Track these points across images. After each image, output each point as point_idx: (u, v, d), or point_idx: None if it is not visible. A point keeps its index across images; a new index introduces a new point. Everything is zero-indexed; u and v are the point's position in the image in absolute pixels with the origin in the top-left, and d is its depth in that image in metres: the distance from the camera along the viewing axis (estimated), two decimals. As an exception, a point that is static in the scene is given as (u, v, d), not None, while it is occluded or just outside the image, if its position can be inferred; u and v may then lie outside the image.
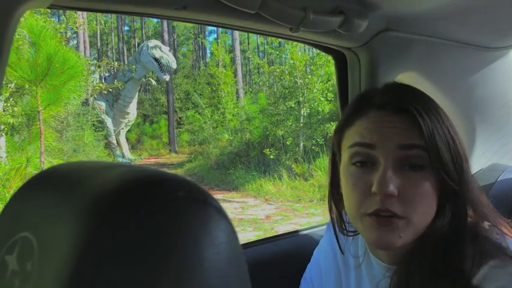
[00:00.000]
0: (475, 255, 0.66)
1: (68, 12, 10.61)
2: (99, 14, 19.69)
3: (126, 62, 17.71)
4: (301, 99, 10.16)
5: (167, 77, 13.94)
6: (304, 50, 11.02)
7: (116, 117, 14.32)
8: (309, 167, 9.14)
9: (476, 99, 1.37)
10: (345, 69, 1.23)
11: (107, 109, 14.00)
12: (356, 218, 0.73)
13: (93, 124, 12.45)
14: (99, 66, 13.93)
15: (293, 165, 9.32)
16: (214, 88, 17.19)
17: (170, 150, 19.51)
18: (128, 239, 0.30)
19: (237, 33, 17.58)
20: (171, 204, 0.32)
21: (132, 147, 19.09)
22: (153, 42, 14.13)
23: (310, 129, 9.92)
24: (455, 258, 0.67)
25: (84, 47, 17.22)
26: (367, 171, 0.72)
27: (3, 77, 0.63)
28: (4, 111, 6.27)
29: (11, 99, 6.46)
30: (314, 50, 10.60)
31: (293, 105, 10.34)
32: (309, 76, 10.12)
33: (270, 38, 12.59)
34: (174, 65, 13.77)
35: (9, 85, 6.05)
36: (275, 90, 12.04)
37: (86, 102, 13.35)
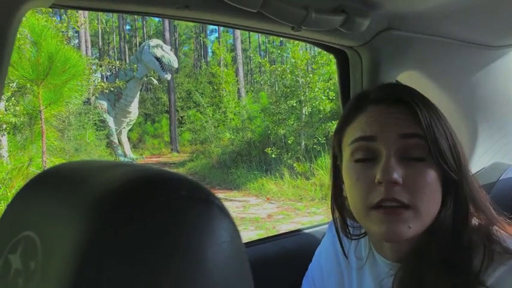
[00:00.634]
0: (485, 256, 0.66)
1: (69, 11, 10.62)
2: (100, 13, 19.70)
3: (127, 61, 17.72)
4: (302, 98, 10.16)
5: (168, 76, 13.95)
6: (306, 49, 11.01)
7: (117, 117, 14.34)
8: (310, 166, 9.14)
9: (478, 98, 1.37)
10: (347, 68, 1.23)
11: (109, 108, 14.01)
12: (362, 213, 0.73)
13: (95, 123, 12.48)
14: (101, 66, 13.95)
15: (295, 164, 9.32)
16: (215, 87, 17.20)
17: (172, 149, 19.54)
18: (131, 238, 0.30)
19: (238, 32, 17.58)
20: (174, 204, 0.32)
21: (134, 147, 19.12)
22: (155, 41, 14.13)
23: (312, 128, 9.91)
24: (461, 254, 0.67)
25: (86, 46, 17.24)
26: (369, 166, 0.73)
27: (6, 76, 0.63)
28: (6, 110, 6.27)
29: (13, 98, 6.47)
30: (316, 48, 10.59)
31: (295, 104, 10.34)
32: (311, 75, 10.11)
33: (271, 37, 12.60)
34: (175, 64, 13.77)
35: (11, 84, 6.06)
36: (276, 89, 12.03)
37: (87, 102, 13.37)
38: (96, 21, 21.70)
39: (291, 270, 1.15)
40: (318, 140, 9.43)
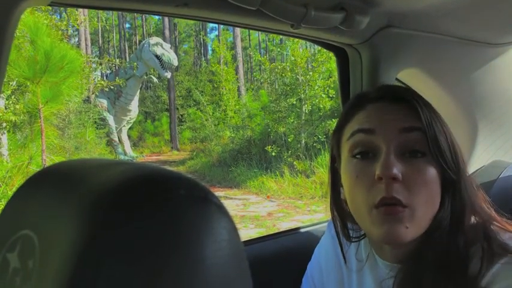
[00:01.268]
0: (484, 256, 0.65)
1: (69, 9, 10.62)
2: (100, 12, 19.69)
3: (127, 60, 17.72)
4: (302, 96, 10.16)
5: (168, 74, 13.94)
6: (306, 47, 11.01)
7: (117, 115, 14.34)
8: (310, 164, 9.14)
9: (478, 96, 1.37)
10: (347, 66, 1.23)
11: (109, 107, 14.01)
12: (363, 211, 0.72)
13: (95, 122, 12.49)
14: (101, 64, 13.94)
15: (295, 162, 9.32)
16: (215, 85, 17.22)
17: (172, 148, 19.54)
18: (129, 237, 0.30)
19: (238, 30, 17.57)
20: (172, 202, 0.32)
21: (134, 145, 19.12)
22: (155, 39, 14.12)
23: (312, 126, 9.92)
24: (457, 255, 0.67)
25: (86, 45, 17.22)
26: (369, 163, 0.72)
27: (5, 75, 0.63)
28: (6, 108, 6.28)
29: (13, 96, 6.48)
30: (315, 46, 10.59)
31: (294, 102, 10.34)
32: (311, 73, 10.11)
33: (271, 35, 12.60)
34: (175, 62, 13.76)
35: (10, 83, 6.06)
36: (276, 87, 12.04)
37: (87, 100, 13.38)
38: (96, 20, 21.69)
39: (291, 268, 1.15)
40: (318, 138, 9.44)
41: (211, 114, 14.27)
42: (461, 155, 0.74)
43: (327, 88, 9.90)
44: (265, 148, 10.32)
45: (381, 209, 0.69)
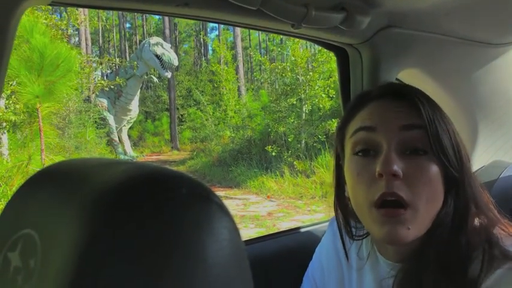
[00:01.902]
0: (484, 260, 0.65)
1: (69, 9, 10.62)
2: (100, 11, 19.68)
3: (127, 59, 17.71)
4: (302, 96, 10.16)
5: (169, 74, 13.93)
6: (306, 47, 11.01)
7: (117, 115, 14.33)
8: (310, 164, 9.14)
9: (479, 96, 1.37)
10: (347, 66, 1.23)
11: (109, 106, 14.01)
12: (364, 209, 0.72)
13: (95, 121, 12.48)
14: (101, 63, 13.93)
15: (295, 162, 9.32)
16: (215, 85, 17.22)
17: (172, 147, 19.54)
18: (131, 236, 0.30)
19: (238, 30, 17.57)
20: (174, 201, 0.32)
21: (134, 144, 19.11)
22: (155, 39, 14.11)
23: (312, 126, 9.91)
24: (459, 256, 0.67)
25: (86, 44, 17.22)
26: (370, 160, 0.72)
27: (6, 73, 0.63)
28: (6, 108, 6.28)
29: (13, 96, 6.47)
30: (316, 46, 10.59)
31: (295, 102, 10.34)
32: (311, 73, 10.11)
33: (271, 35, 12.61)
34: (175, 62, 13.76)
35: (10, 82, 6.05)
36: (277, 87, 12.04)
37: (88, 100, 13.37)
38: (97, 19, 21.69)
39: (291, 268, 1.15)
40: (318, 138, 9.43)
41: (211, 114, 14.27)
42: (466, 153, 0.74)
43: (327, 88, 9.90)
44: (266, 148, 10.31)
45: (382, 210, 0.69)
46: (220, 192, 8.74)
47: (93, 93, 13.61)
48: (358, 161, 0.74)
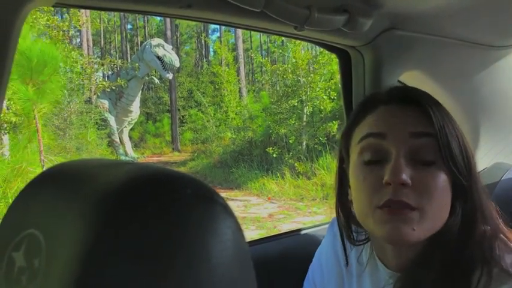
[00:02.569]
0: (482, 274, 0.64)
1: (71, 10, 10.63)
2: (102, 13, 19.71)
3: (129, 61, 17.72)
4: (304, 97, 10.16)
5: (170, 76, 13.94)
6: (307, 49, 11.01)
7: (119, 116, 14.33)
8: (311, 165, 9.13)
9: (480, 98, 1.37)
10: (349, 68, 1.23)
11: (110, 107, 14.01)
12: (367, 213, 0.70)
13: (96, 122, 12.48)
14: (103, 64, 13.95)
15: (296, 164, 9.31)
16: (217, 86, 17.19)
17: (173, 149, 19.52)
18: (135, 236, 0.30)
19: (240, 31, 17.58)
20: (178, 202, 0.32)
21: (135, 146, 19.10)
22: (156, 40, 14.12)
23: (313, 127, 9.91)
24: (462, 268, 0.66)
25: (88, 45, 17.24)
26: (377, 166, 0.70)
27: (9, 75, 0.63)
28: (8, 109, 6.29)
29: (14, 97, 6.48)
30: (317, 48, 10.59)
31: (296, 104, 10.34)
32: (312, 75, 10.11)
33: (273, 37, 12.61)
34: (176, 64, 13.76)
35: (12, 83, 6.06)
36: (278, 88, 12.04)
37: (89, 101, 13.38)
38: (98, 20, 21.72)
39: (292, 269, 1.15)
40: (319, 139, 9.43)
41: (212, 115, 14.27)
42: (473, 159, 0.72)
43: (329, 90, 9.89)
44: (266, 149, 10.31)
45: (385, 209, 0.67)
46: (221, 194, 8.70)
47: (94, 94, 13.61)
48: (365, 167, 0.72)
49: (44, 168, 0.44)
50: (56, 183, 0.39)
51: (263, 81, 14.37)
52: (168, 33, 20.56)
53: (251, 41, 34.27)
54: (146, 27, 32.09)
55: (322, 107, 9.91)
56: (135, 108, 14.65)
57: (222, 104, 14.99)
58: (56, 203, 0.37)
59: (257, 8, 0.83)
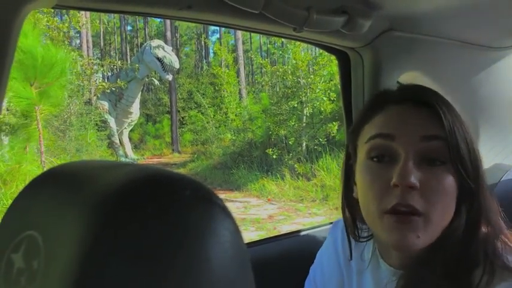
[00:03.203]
0: (485, 271, 0.64)
1: (71, 11, 10.64)
2: (102, 14, 19.72)
3: (129, 62, 17.73)
4: (303, 99, 10.16)
5: (170, 77, 13.95)
6: (307, 50, 11.01)
7: (118, 117, 14.33)
8: (311, 166, 9.13)
9: (479, 99, 1.37)
10: (348, 69, 1.23)
11: (110, 109, 14.01)
12: (375, 216, 0.70)
13: (96, 124, 12.47)
14: (102, 66, 13.95)
15: (296, 165, 9.31)
16: (217, 88, 17.21)
17: (173, 150, 19.52)
18: (134, 237, 0.30)
19: (239, 33, 17.59)
20: (177, 203, 0.32)
21: (135, 147, 19.10)
22: (156, 42, 14.12)
23: (313, 129, 9.91)
24: (465, 267, 0.66)
25: (87, 47, 17.24)
26: (385, 166, 0.70)
27: (9, 76, 0.63)
28: (7, 110, 6.29)
29: (14, 98, 6.49)
30: (317, 49, 10.59)
31: (296, 105, 10.34)
32: (312, 76, 10.11)
33: (272, 38, 12.60)
34: (176, 65, 13.77)
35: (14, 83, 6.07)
36: (278, 90, 12.03)
37: (89, 102, 13.38)
38: (98, 22, 21.71)
39: (292, 271, 1.15)
40: (319, 140, 9.43)
41: (212, 116, 14.27)
42: (481, 161, 0.72)
43: (328, 91, 9.90)
44: (266, 151, 10.31)
45: (394, 216, 0.67)
46: (221, 195, 8.63)
47: (94, 95, 13.62)
48: (373, 167, 0.72)
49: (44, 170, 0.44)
50: (55, 185, 0.40)
51: (263, 83, 14.36)
52: (168, 34, 20.57)
53: (251, 42, 34.28)
54: (146, 29, 32.11)
55: (322, 108, 9.91)
56: (135, 109, 14.65)
57: (222, 105, 15.00)
58: (56, 205, 0.37)
59: (256, 9, 0.83)
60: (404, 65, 1.18)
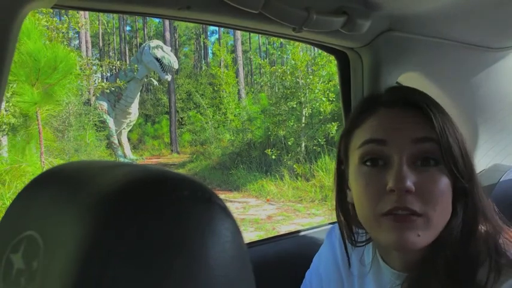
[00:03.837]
0: (491, 269, 0.64)
1: (70, 12, 10.63)
2: (101, 14, 19.71)
3: (127, 62, 17.72)
4: (302, 99, 10.17)
5: (169, 77, 13.95)
6: (306, 51, 11.02)
7: (117, 117, 14.34)
8: (310, 167, 9.13)
9: (478, 100, 1.37)
10: (348, 70, 1.23)
11: (109, 109, 14.01)
12: (372, 220, 0.70)
13: (95, 124, 12.47)
14: (101, 66, 13.94)
15: (295, 166, 9.32)
16: (216, 88, 17.23)
17: (172, 151, 19.52)
18: (134, 238, 0.30)
19: (238, 33, 17.60)
20: (177, 203, 0.32)
21: (134, 147, 19.11)
22: (155, 42, 14.13)
23: (312, 129, 9.92)
24: (467, 266, 0.66)
25: (86, 47, 17.26)
26: (380, 171, 0.70)
27: (8, 76, 0.63)
28: (6, 111, 6.28)
29: (13, 99, 6.48)
30: (316, 50, 10.60)
31: (295, 106, 10.35)
32: (311, 76, 10.12)
33: (271, 38, 12.62)
34: (175, 65, 13.78)
35: (10, 85, 6.06)
36: (277, 90, 12.04)
37: (87, 102, 13.37)
38: (97, 22, 21.72)
39: (291, 271, 1.15)
40: (318, 141, 9.44)
41: (211, 117, 14.28)
42: (473, 160, 0.72)
43: (327, 92, 9.90)
44: (265, 151, 10.32)
45: (390, 216, 0.67)
46: (220, 196, 8.71)
47: (93, 96, 13.61)
48: (367, 172, 0.72)
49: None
50: (54, 185, 0.39)
51: (262, 83, 14.38)
52: (167, 34, 20.57)
53: (250, 43, 34.29)
54: (145, 29, 32.10)
55: (321, 109, 9.92)
56: (134, 109, 14.65)
57: (220, 105, 15.01)
58: (55, 204, 0.36)
59: (255, 9, 0.83)
60: (404, 66, 1.18)
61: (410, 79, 1.24)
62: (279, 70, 11.06)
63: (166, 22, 20.44)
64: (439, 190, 0.67)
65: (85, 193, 0.34)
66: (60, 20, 12.16)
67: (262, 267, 1.17)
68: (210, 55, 33.55)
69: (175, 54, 18.64)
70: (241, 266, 0.34)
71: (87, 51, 17.06)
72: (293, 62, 10.44)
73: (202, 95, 19.56)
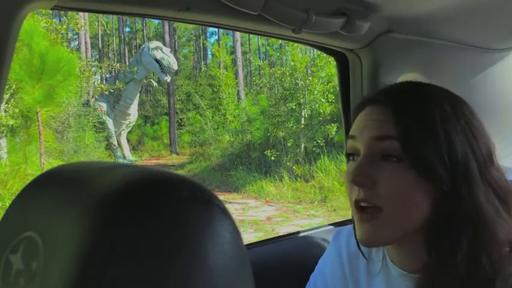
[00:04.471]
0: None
1: (69, 13, 10.63)
2: (100, 16, 19.73)
3: (127, 63, 17.73)
4: (302, 100, 10.17)
5: (168, 78, 13.96)
6: (305, 52, 11.03)
7: (116, 118, 14.33)
8: (309, 168, 9.14)
9: (478, 101, 1.36)
10: (347, 71, 1.23)
11: (108, 110, 14.01)
12: (352, 209, 0.75)
13: (94, 125, 12.47)
14: (101, 67, 13.95)
15: (294, 167, 9.32)
16: (215, 89, 17.25)
17: (171, 152, 19.51)
18: (133, 239, 0.30)
19: (238, 34, 17.60)
20: (176, 205, 0.32)
21: (133, 149, 19.09)
22: (154, 43, 14.14)
23: (311, 130, 9.92)
24: (489, 267, 0.64)
25: (86, 48, 17.25)
26: (354, 164, 0.74)
27: (7, 77, 0.63)
28: (5, 112, 6.28)
29: (12, 100, 6.48)
30: (315, 51, 10.61)
31: (294, 107, 10.35)
32: (310, 78, 10.13)
33: (271, 40, 12.61)
34: (175, 66, 13.78)
35: (10, 85, 6.06)
36: (276, 91, 12.05)
37: (87, 103, 13.37)
38: (96, 23, 21.72)
39: (290, 272, 1.15)
40: (318, 142, 9.44)
41: (210, 118, 14.28)
42: (472, 163, 0.71)
43: (327, 93, 9.91)
44: (265, 152, 10.32)
45: (358, 213, 0.71)
46: (219, 197, 8.70)
47: (92, 97, 13.62)
48: (349, 165, 0.77)
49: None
50: (54, 185, 0.39)
51: (261, 84, 14.38)
52: (166, 36, 20.58)
53: (249, 44, 34.30)
54: (144, 30, 32.11)
55: (320, 110, 9.93)
56: (133, 111, 14.65)
57: (220, 106, 15.02)
58: (54, 205, 0.36)
59: (254, 11, 0.83)
60: (403, 67, 1.18)
61: (410, 80, 1.24)
62: (278, 71, 11.07)
63: (166, 23, 20.44)
64: (399, 184, 0.68)
65: (85, 194, 0.34)
66: (59, 21, 12.17)
67: (261, 269, 1.17)
68: (210, 56, 33.58)
69: (175, 56, 18.63)
70: (241, 267, 0.34)
71: (86, 52, 17.05)
72: (292, 63, 10.45)
73: (202, 96, 19.57)
